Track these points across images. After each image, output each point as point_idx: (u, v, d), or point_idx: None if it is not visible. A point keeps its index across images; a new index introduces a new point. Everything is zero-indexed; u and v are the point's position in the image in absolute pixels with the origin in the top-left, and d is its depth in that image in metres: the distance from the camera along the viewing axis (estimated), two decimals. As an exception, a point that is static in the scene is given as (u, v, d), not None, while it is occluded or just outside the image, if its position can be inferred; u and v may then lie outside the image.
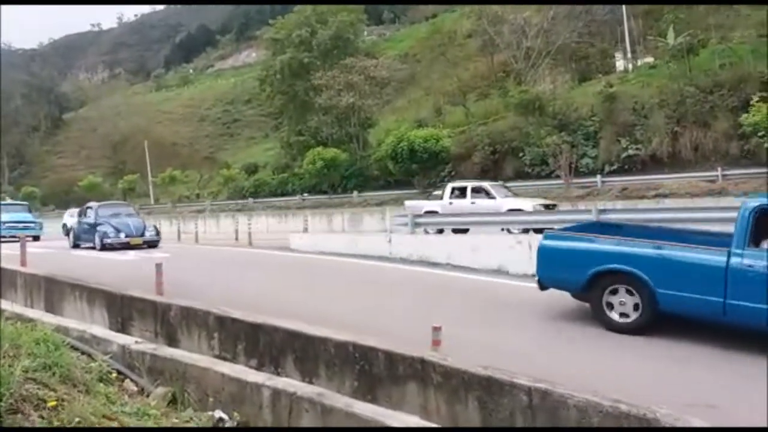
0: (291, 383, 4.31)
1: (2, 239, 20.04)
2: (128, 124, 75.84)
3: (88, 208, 19.71)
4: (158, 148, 63.19)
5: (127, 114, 79.54)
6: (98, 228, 17.62)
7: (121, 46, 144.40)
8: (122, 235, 17.28)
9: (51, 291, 8.85)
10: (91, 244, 17.72)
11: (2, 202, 29.39)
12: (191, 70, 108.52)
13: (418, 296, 9.22)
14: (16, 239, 21.01)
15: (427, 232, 15.21)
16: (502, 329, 6.92)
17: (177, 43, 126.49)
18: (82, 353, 5.23)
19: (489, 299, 8.81)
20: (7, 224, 22.53)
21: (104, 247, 16.93)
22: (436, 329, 5.20)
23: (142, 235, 17.79)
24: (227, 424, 4.23)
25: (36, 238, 23.11)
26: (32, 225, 24.44)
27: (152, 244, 17.77)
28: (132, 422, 3.79)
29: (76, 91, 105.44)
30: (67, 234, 21.79)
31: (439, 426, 3.90)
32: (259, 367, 5.27)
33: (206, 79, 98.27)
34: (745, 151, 20.95)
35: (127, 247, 16.98)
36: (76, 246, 18.79)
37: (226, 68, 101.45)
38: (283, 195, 36.39)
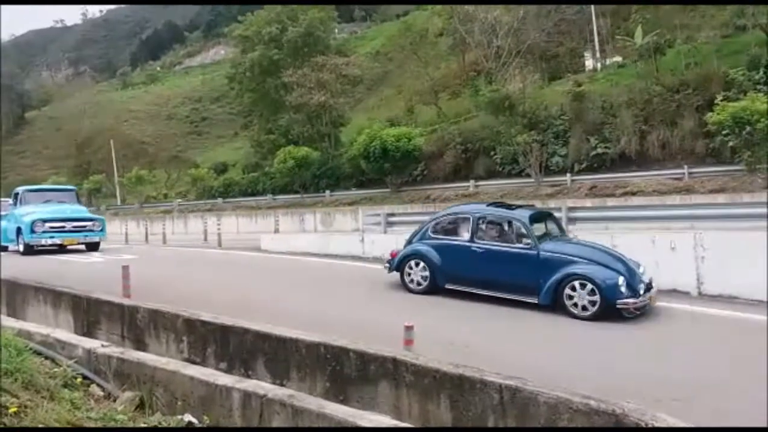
0: (261, 385, 4.25)
1: (36, 248, 14.11)
2: (93, 123, 74.09)
3: (505, 222, 8.71)
4: (125, 148, 61.99)
5: (93, 112, 77.78)
6: (572, 270, 7.80)
7: (86, 42, 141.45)
8: (642, 287, 7.86)
9: (13, 295, 8.60)
10: (529, 299, 8.02)
11: (35, 187, 19.09)
12: (158, 68, 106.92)
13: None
14: (64, 248, 14.76)
15: None
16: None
17: (144, 39, 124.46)
18: (46, 358, 5.08)
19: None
20: (45, 225, 14.54)
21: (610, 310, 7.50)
22: (409, 328, 5.18)
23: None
24: (197, 429, 4.16)
25: (93, 247, 15.45)
26: (91, 225, 15.50)
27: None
28: (98, 427, 3.70)
29: (38, 89, 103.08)
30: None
31: (411, 426, 3.89)
32: (229, 370, 5.20)
33: (174, 77, 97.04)
34: (710, 149, 21.38)
35: (641, 309, 7.63)
36: (432, 289, 8.99)
37: (194, 66, 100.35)
38: (253, 195, 35.98)
